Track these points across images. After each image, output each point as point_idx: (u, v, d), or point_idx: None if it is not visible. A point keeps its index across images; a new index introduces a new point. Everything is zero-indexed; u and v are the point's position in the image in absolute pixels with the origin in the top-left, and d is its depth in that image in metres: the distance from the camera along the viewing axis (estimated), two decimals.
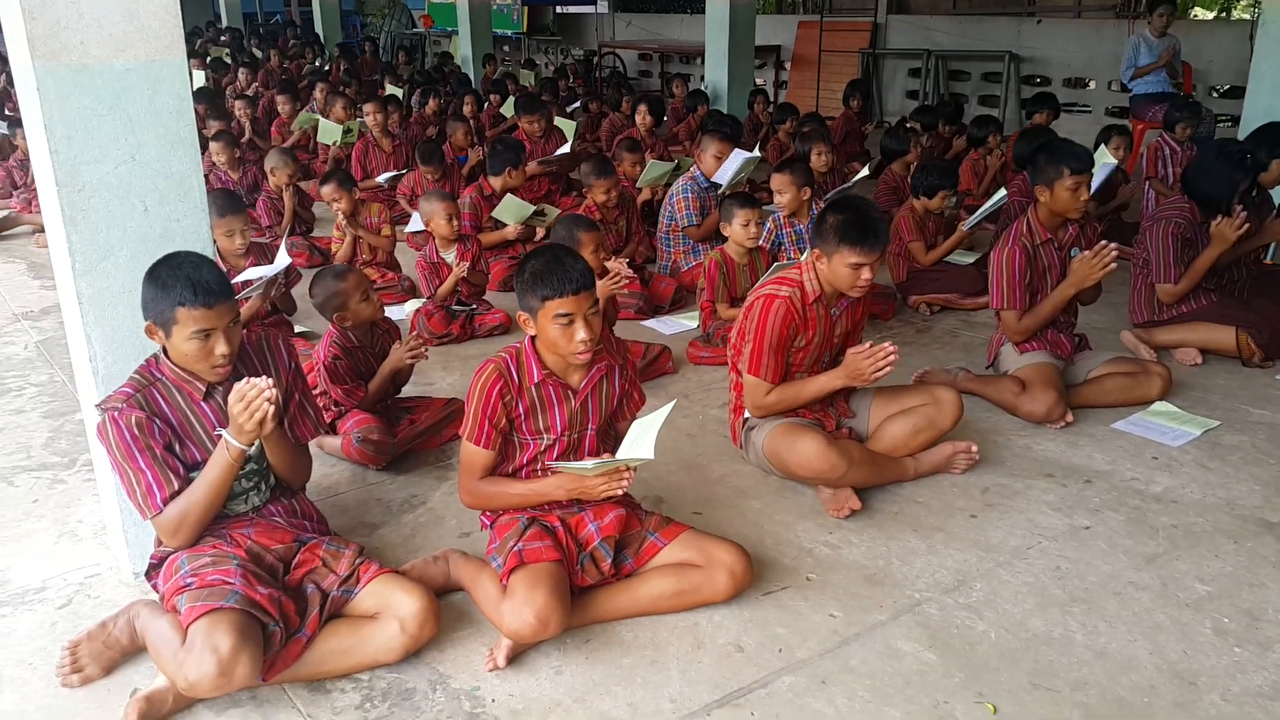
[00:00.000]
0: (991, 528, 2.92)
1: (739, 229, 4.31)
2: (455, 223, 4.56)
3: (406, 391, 3.63)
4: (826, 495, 3.01)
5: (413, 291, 5.14)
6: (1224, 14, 19.76)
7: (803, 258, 3.13)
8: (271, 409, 2.12)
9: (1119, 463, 3.31)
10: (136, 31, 2.31)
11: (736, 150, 5.36)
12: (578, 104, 10.27)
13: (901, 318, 4.91)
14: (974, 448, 3.20)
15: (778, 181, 4.73)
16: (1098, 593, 2.59)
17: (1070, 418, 3.56)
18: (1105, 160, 4.96)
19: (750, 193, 4.95)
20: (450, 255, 4.62)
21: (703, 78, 10.01)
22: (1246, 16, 17.06)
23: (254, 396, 2.12)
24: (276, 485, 2.48)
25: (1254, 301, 4.34)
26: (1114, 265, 3.46)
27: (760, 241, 4.84)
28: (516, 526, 2.45)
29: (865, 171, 5.60)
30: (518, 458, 2.53)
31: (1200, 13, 19.98)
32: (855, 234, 2.87)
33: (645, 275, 5.17)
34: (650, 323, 4.87)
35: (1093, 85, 10.42)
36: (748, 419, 3.20)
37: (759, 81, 12.80)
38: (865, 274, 2.92)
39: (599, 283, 3.75)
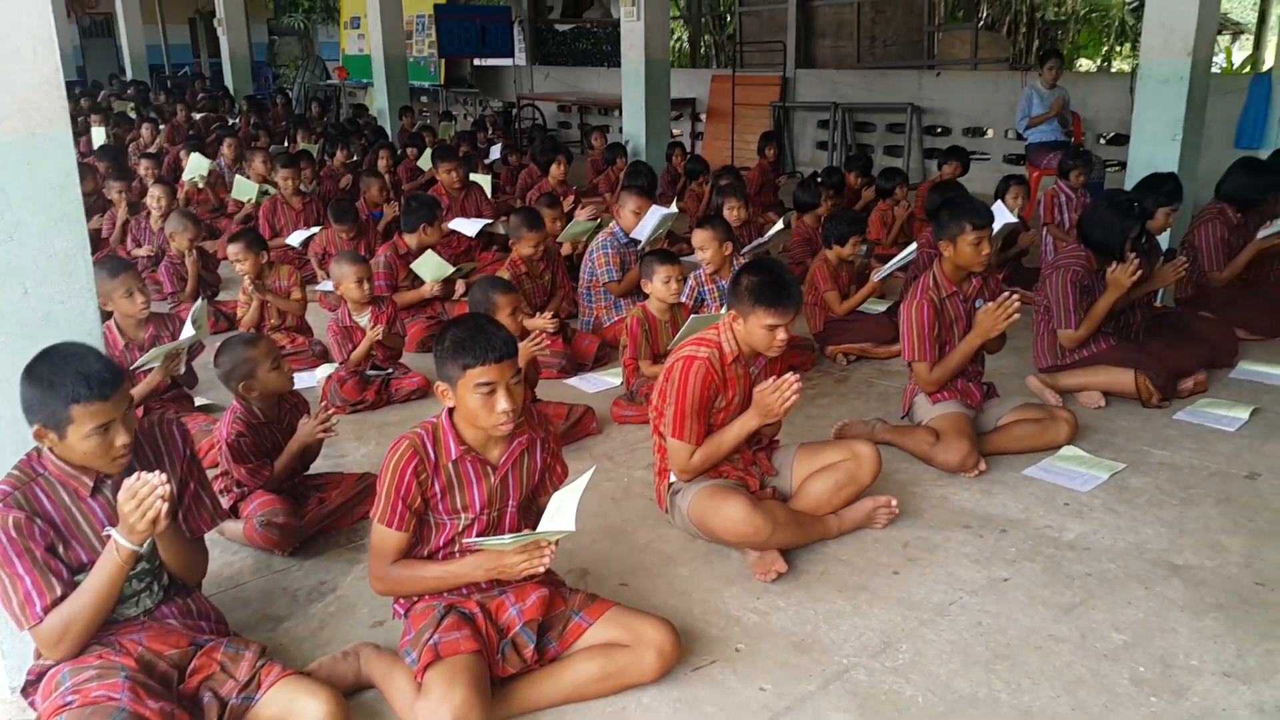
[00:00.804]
0: (914, 583, 2.91)
1: (660, 285, 4.30)
2: (367, 286, 4.43)
3: (316, 466, 3.48)
4: (753, 559, 2.98)
5: (324, 357, 4.96)
6: (1105, 64, 20.88)
7: (722, 314, 3.12)
8: (165, 506, 1.98)
9: (1032, 510, 3.35)
10: (14, 104, 2.18)
11: (654, 206, 5.37)
12: (497, 156, 10.25)
13: (820, 368, 4.95)
14: (894, 501, 3.21)
15: (700, 238, 4.75)
16: (1019, 648, 2.59)
17: (983, 466, 3.61)
18: (1005, 218, 5.13)
19: (670, 249, 4.95)
20: (364, 318, 4.49)
21: (621, 129, 10.09)
22: (1126, 68, 18.02)
23: (146, 494, 1.98)
24: (170, 584, 2.32)
25: (1149, 344, 4.50)
26: (1017, 315, 3.54)
27: (683, 298, 4.85)
28: (432, 616, 2.33)
29: (780, 225, 5.66)
30: (433, 539, 2.43)
31: (1086, 64, 21.05)
32: (770, 296, 2.87)
33: (568, 332, 5.12)
34: (573, 381, 4.81)
35: (990, 134, 10.82)
36: (673, 483, 3.16)
37: (676, 133, 12.99)
38: (780, 335, 2.92)
39: (520, 345, 3.69)
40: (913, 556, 3.06)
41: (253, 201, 7.48)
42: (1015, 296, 3.55)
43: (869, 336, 5.05)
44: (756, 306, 2.88)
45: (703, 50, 20.86)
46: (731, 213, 5.85)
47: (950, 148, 7.67)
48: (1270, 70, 8.45)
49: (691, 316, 4.10)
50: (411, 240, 5.42)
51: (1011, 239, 6.27)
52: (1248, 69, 16.62)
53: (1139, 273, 4.16)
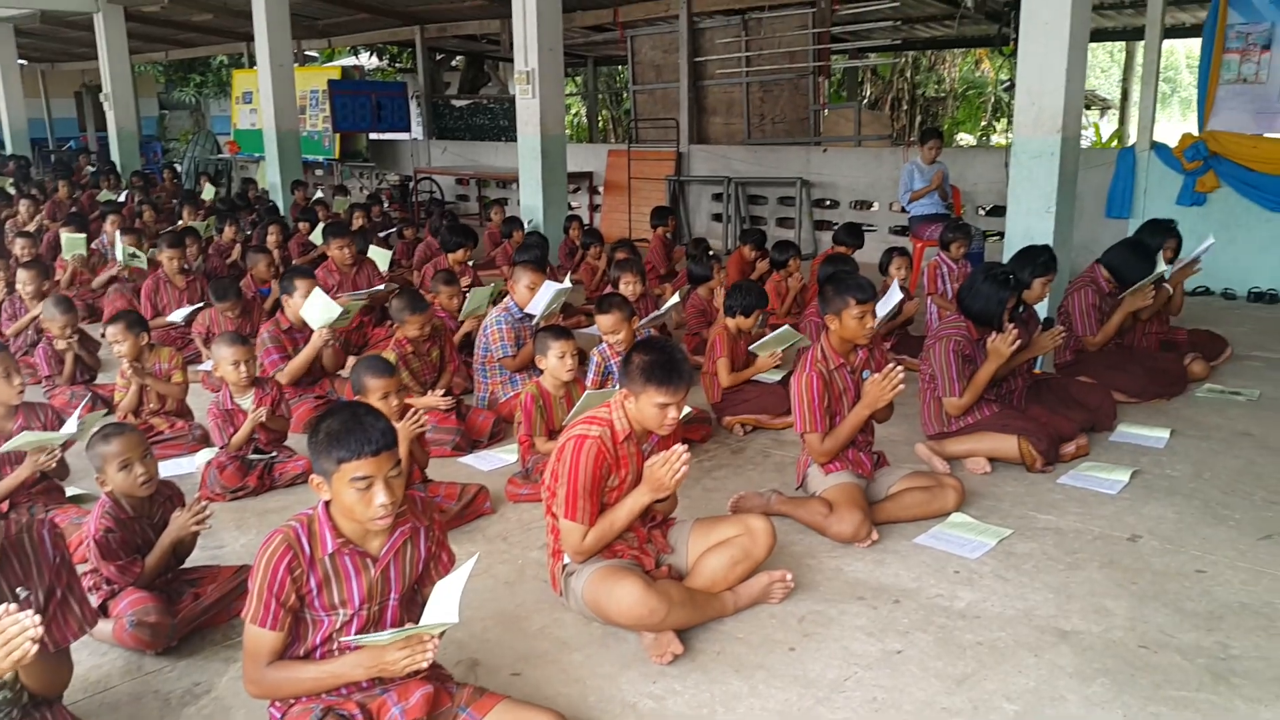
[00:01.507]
0: (810, 659, 2.89)
1: (554, 361, 4.26)
2: (244, 369, 4.26)
3: (192, 558, 3.28)
4: (649, 641, 2.91)
5: (205, 441, 4.74)
6: (984, 138, 22.08)
7: (615, 389, 3.10)
8: (34, 648, 1.81)
9: (924, 579, 3.38)
10: None
11: (548, 282, 5.36)
12: (393, 229, 10.14)
13: (717, 439, 4.96)
14: (789, 576, 3.20)
15: (609, 323, 4.74)
16: None
17: (875, 535, 3.64)
18: (894, 298, 5.30)
19: (565, 323, 4.94)
20: (247, 400, 4.32)
21: (520, 201, 10.14)
22: (1003, 142, 19.10)
23: (15, 633, 1.81)
24: (30, 701, 2.13)
25: (1031, 410, 4.66)
26: (902, 386, 3.62)
27: (590, 371, 4.84)
28: (310, 718, 2.20)
29: (675, 298, 5.72)
30: (310, 636, 2.30)
31: (965, 138, 22.22)
32: (661, 375, 2.86)
33: (462, 409, 5.03)
34: (468, 459, 4.70)
35: (876, 206, 11.24)
36: (566, 564, 3.08)
37: (574, 205, 13.12)
38: (672, 413, 2.91)
39: (400, 425, 3.60)
40: (808, 631, 3.05)
41: (123, 264, 7.26)
42: (900, 367, 3.64)
43: (764, 407, 5.09)
44: (648, 385, 2.87)
45: (600, 125, 21.29)
46: (628, 287, 5.89)
47: (847, 224, 7.73)
48: (1134, 144, 9.01)
49: (586, 392, 4.07)
50: (293, 305, 5.25)
51: (897, 308, 6.48)
52: (1115, 142, 17.78)
53: (1018, 341, 4.32)
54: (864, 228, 10.66)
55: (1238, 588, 3.28)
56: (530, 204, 9.70)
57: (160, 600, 2.91)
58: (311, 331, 5.08)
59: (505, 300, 5.41)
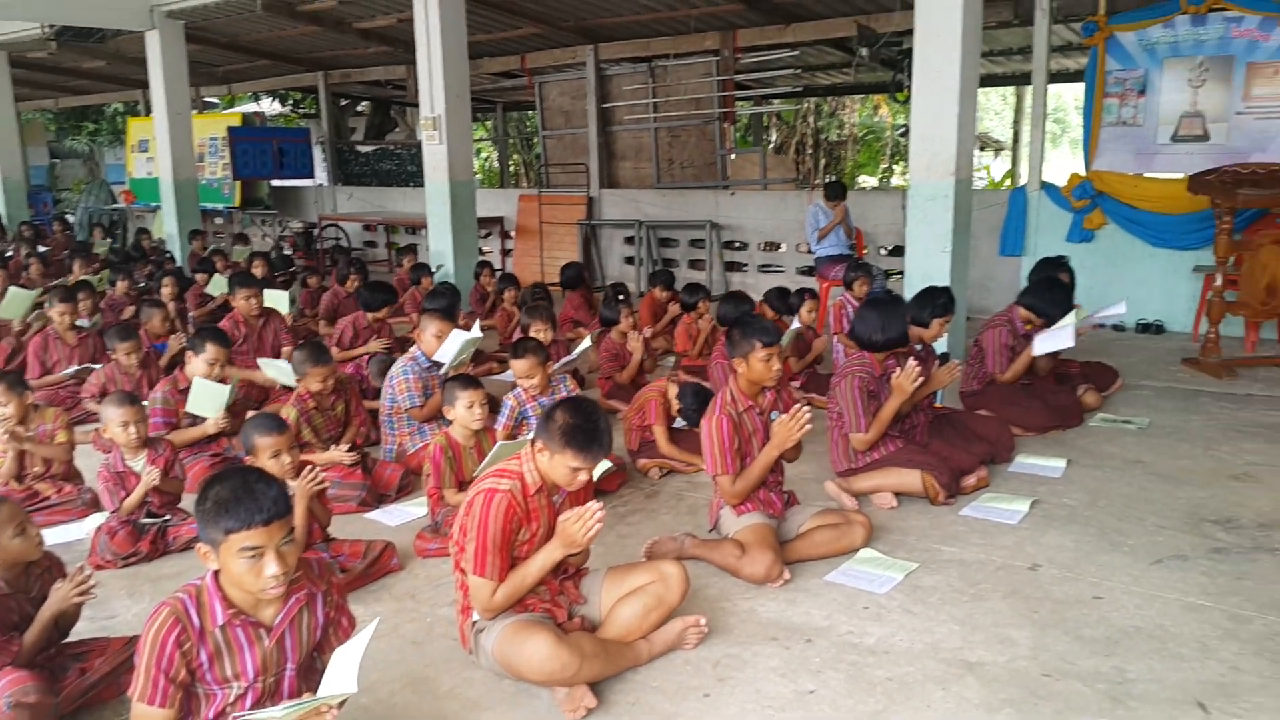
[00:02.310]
0: (725, 705, 2.89)
1: (463, 411, 4.22)
2: (134, 430, 4.09)
3: (80, 630, 3.11)
4: (561, 696, 2.87)
5: (95, 505, 4.52)
6: (885, 179, 22.85)
7: (525, 439, 3.08)
8: None
9: (835, 616, 3.43)
10: None
11: (455, 330, 5.33)
12: (297, 276, 9.95)
13: (631, 484, 4.96)
14: (703, 620, 3.21)
15: (523, 368, 4.75)
16: None
17: (787, 575, 3.68)
18: (794, 325, 5.43)
19: (474, 371, 4.90)
20: (139, 462, 4.15)
21: (429, 247, 10.08)
22: (903, 184, 19.79)
23: None
24: None
25: (933, 444, 4.79)
26: (809, 426, 3.69)
27: (501, 417, 4.79)
28: None
29: (587, 342, 5.75)
30: (203, 711, 2.20)
31: (866, 180, 22.97)
32: (581, 441, 2.84)
33: (368, 462, 4.92)
34: (374, 514, 4.59)
35: (783, 247, 11.51)
36: (476, 621, 3.03)
37: (485, 250, 13.09)
38: (583, 477, 2.90)
39: (296, 483, 3.51)
40: (723, 676, 3.05)
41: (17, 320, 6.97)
42: (806, 408, 3.71)
43: (679, 450, 5.12)
44: (566, 448, 2.84)
45: (511, 170, 21.34)
46: (540, 333, 5.89)
47: (775, 289, 7.63)
48: (1025, 185, 9.40)
49: (498, 444, 4.03)
50: (191, 369, 5.08)
51: (806, 347, 6.63)
52: (1008, 182, 18.55)
53: (920, 378, 4.46)
54: (772, 268, 10.85)
55: (1132, 612, 3.41)
56: (439, 249, 9.67)
57: (41, 679, 2.74)
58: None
59: (412, 349, 5.34)
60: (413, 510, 4.62)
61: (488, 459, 3.92)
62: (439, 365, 5.24)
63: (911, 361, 4.51)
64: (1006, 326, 5.67)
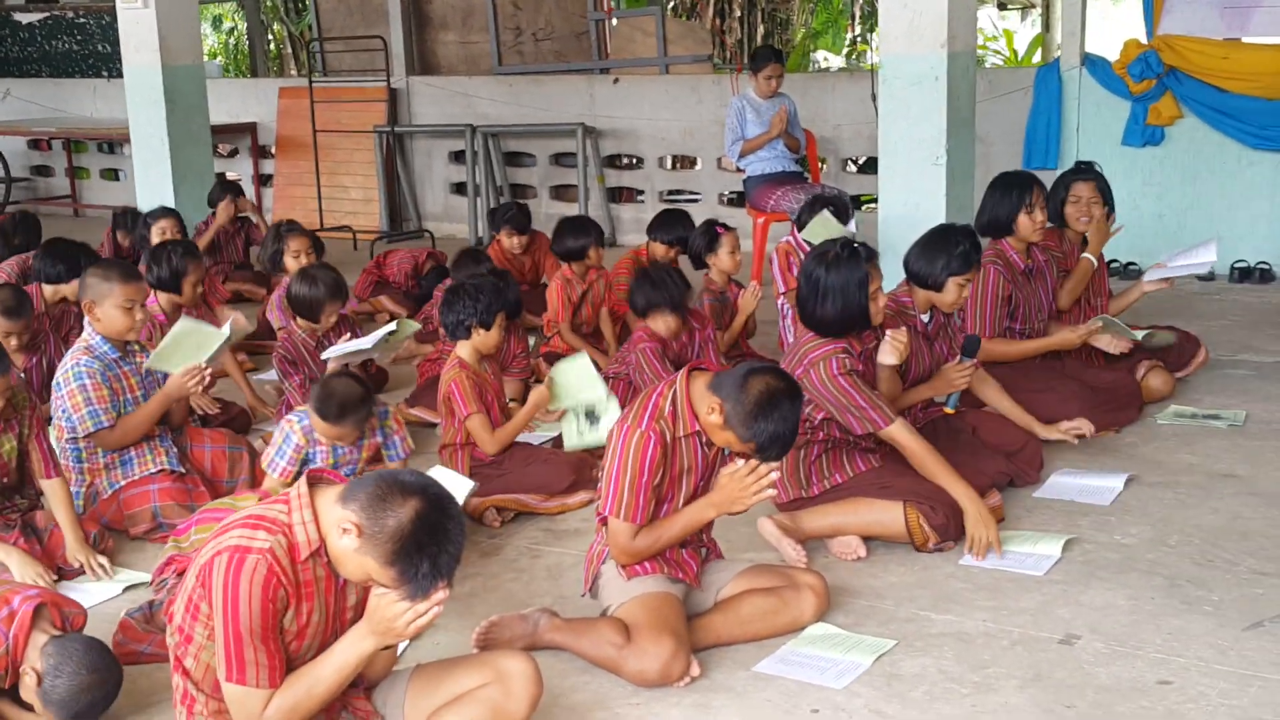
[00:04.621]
0: None
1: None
2: None
3: None
4: None
5: None
6: (853, 57, 23.04)
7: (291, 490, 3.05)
8: None
9: None
10: None
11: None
12: None
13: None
14: None
15: (331, 432, 4.70)
16: None
17: (696, 670, 3.69)
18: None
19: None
20: None
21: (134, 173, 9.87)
22: (877, 62, 19.98)
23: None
24: None
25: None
26: (773, 491, 3.69)
27: (279, 459, 4.75)
28: None
29: (392, 326, 5.78)
30: None
31: (825, 58, 23.15)
32: (413, 572, 2.80)
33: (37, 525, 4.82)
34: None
35: (699, 164, 11.62)
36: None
37: (232, 176, 12.84)
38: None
39: None
40: None
41: None
42: (775, 471, 3.64)
43: (533, 483, 5.16)
44: (391, 565, 2.80)
45: (270, 49, 20.99)
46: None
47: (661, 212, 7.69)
48: (1059, 59, 9.53)
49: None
50: None
51: (728, 311, 6.65)
52: (1036, 56, 18.67)
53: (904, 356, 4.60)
54: (685, 197, 10.85)
55: (1216, 703, 3.50)
56: (152, 173, 9.44)
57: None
58: None
59: (85, 334, 5.23)
60: (106, 589, 4.61)
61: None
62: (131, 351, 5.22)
63: (894, 331, 4.59)
64: (997, 263, 5.71)
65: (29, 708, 3.53)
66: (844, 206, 7.19)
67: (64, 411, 5.05)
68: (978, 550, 4.40)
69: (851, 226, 6.69)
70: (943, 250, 5.02)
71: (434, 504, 2.87)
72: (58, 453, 5.07)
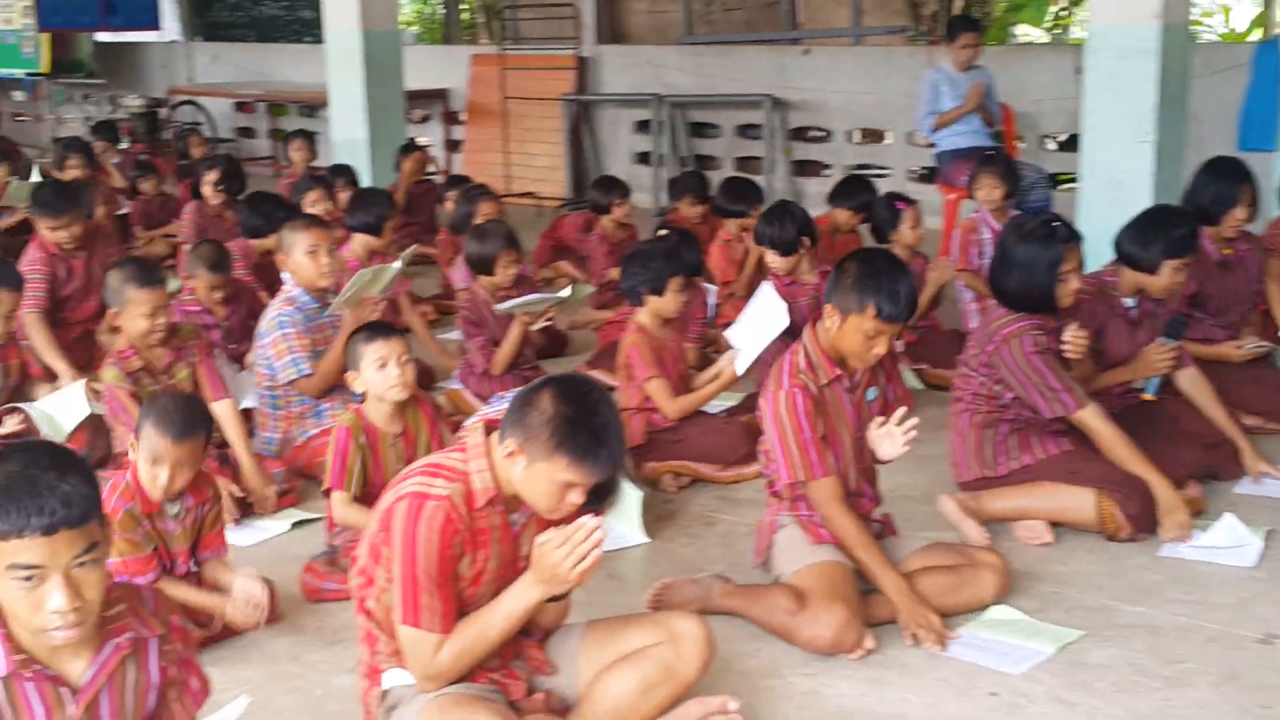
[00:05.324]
0: None
1: (374, 375, 4.28)
2: None
3: None
4: None
5: None
6: (1056, 30, 22.43)
7: (469, 434, 3.10)
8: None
9: (943, 707, 3.46)
10: None
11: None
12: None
13: None
14: (734, 705, 3.25)
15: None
16: None
17: (870, 643, 3.69)
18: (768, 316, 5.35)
19: (386, 322, 4.94)
20: None
21: (331, 135, 10.17)
22: (1082, 36, 19.47)
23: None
24: None
25: None
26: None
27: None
28: None
29: (568, 290, 5.85)
30: None
31: (1026, 32, 22.60)
32: (582, 444, 2.83)
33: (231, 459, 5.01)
34: (240, 535, 4.65)
35: (890, 139, 11.48)
36: (389, 690, 3.10)
37: (423, 141, 13.08)
38: (575, 497, 2.91)
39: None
40: None
41: None
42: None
43: (708, 451, 5.18)
44: (557, 452, 2.84)
45: (464, 18, 21.30)
46: (506, 270, 5.95)
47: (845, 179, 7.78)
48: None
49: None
50: None
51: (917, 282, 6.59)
52: (1256, 32, 18.00)
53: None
54: (872, 170, 10.74)
55: None
56: (347, 137, 9.72)
57: None
58: None
59: (285, 287, 5.43)
60: (275, 526, 4.77)
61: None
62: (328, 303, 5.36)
63: (1074, 330, 4.50)
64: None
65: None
66: (1012, 170, 7.14)
67: (266, 359, 5.26)
68: (1179, 533, 4.28)
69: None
70: (1161, 232, 4.90)
71: (563, 382, 2.98)
72: (263, 399, 5.31)
